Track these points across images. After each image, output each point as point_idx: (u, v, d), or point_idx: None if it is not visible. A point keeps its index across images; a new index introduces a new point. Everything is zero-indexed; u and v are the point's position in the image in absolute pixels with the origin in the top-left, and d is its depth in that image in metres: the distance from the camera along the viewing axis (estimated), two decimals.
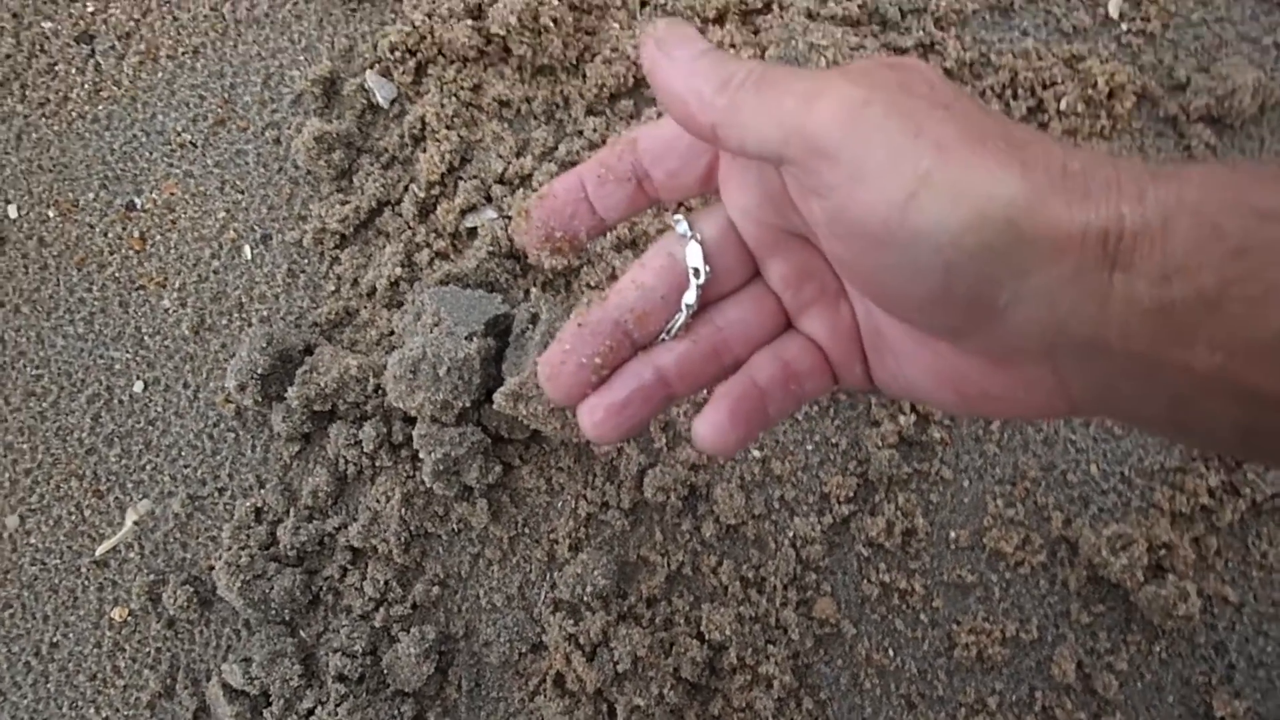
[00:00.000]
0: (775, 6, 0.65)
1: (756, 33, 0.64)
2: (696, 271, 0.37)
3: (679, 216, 0.38)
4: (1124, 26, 0.66)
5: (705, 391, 0.39)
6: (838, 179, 0.30)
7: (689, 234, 0.37)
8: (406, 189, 0.64)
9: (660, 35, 0.34)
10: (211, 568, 0.61)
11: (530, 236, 0.38)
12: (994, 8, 0.67)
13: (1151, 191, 0.28)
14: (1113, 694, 0.60)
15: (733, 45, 0.63)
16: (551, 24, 0.61)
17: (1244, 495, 0.61)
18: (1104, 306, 0.28)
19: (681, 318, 0.37)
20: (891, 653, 0.61)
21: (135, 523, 0.62)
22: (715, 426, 0.37)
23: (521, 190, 0.63)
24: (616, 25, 0.65)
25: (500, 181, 0.64)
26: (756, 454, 0.62)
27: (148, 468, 0.63)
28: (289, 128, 0.65)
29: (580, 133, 0.64)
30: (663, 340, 0.38)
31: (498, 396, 0.57)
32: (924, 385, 0.36)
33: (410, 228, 0.64)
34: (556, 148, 0.64)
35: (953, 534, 0.62)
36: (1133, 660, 0.61)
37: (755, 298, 0.39)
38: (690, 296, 0.37)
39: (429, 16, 0.64)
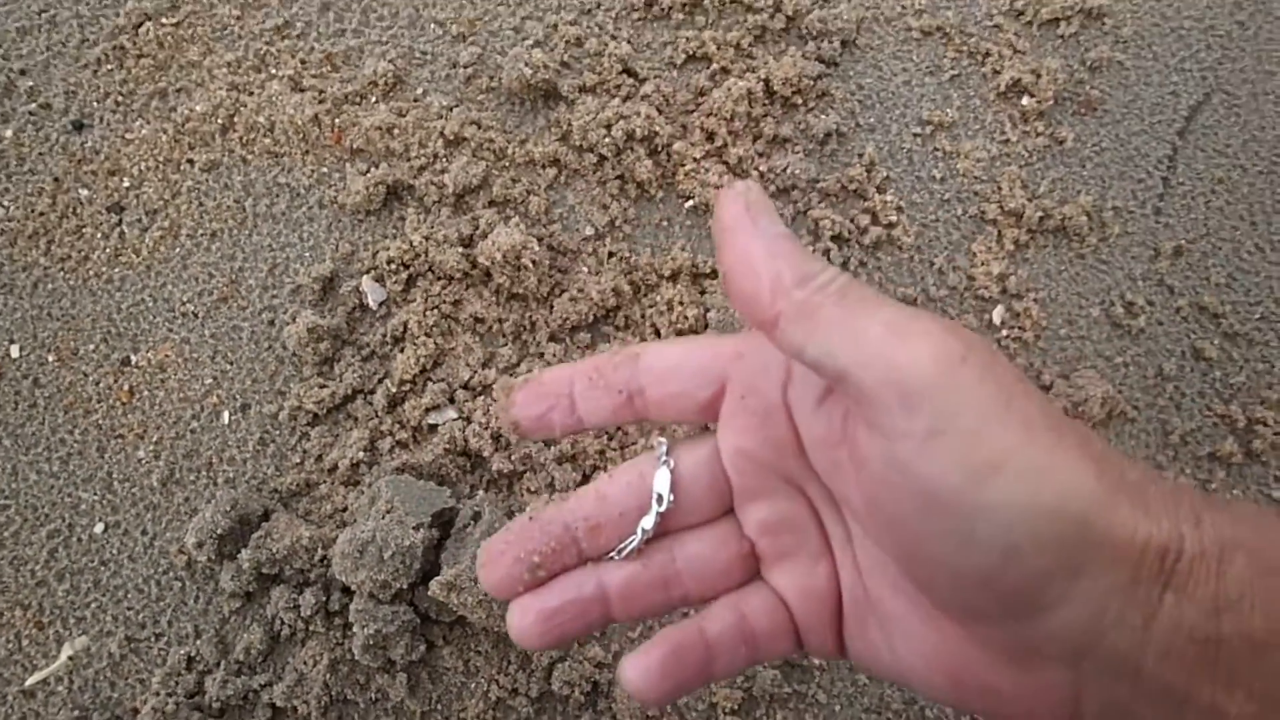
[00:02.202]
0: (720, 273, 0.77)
1: (703, 294, 0.75)
2: (660, 498, 0.36)
3: (662, 439, 0.38)
4: (1004, 332, 0.79)
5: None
6: (913, 426, 0.28)
7: (663, 458, 0.37)
8: (380, 382, 0.72)
9: (751, 198, 0.32)
10: (136, 710, 0.64)
11: (506, 415, 0.37)
12: None
13: (1208, 518, 0.28)
14: None
15: (680, 303, 0.74)
16: (530, 264, 0.72)
17: None
18: (1149, 624, 0.28)
19: (635, 540, 0.36)
20: None
21: (70, 657, 0.66)
22: (644, 673, 0.35)
23: (482, 398, 0.72)
24: (585, 269, 0.76)
25: (465, 387, 0.72)
26: None
27: (92, 605, 0.67)
28: (285, 313, 0.74)
29: (541, 355, 0.74)
30: (611, 559, 0.37)
31: (434, 584, 0.64)
32: (914, 665, 0.34)
33: (378, 417, 0.72)
34: (519, 365, 0.74)
35: None
36: None
37: (721, 537, 0.37)
38: (648, 521, 0.36)
39: (426, 239, 0.74)
